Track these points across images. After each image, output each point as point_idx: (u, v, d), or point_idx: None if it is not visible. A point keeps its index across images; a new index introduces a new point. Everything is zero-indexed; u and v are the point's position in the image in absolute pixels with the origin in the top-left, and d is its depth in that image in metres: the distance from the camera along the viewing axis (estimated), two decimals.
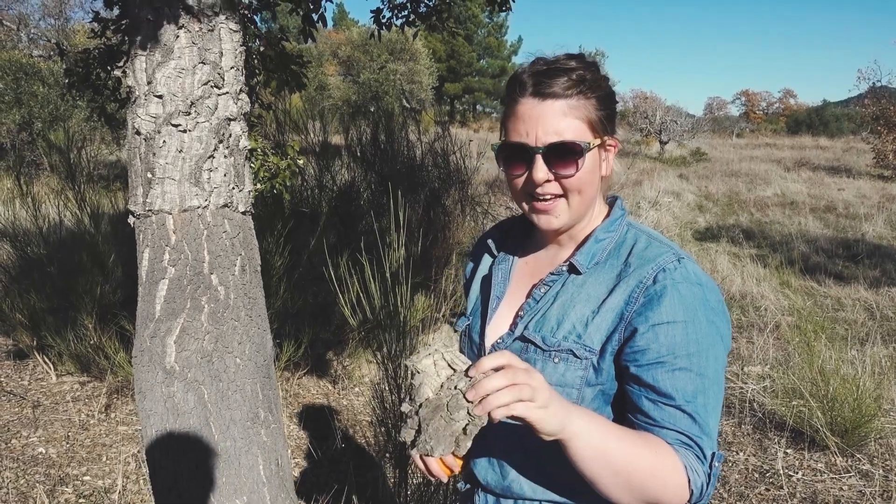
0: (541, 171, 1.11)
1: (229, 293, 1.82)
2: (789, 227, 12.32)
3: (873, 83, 29.30)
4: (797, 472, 3.61)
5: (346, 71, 28.48)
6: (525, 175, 1.14)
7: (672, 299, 1.07)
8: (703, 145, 29.64)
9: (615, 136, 1.21)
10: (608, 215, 1.24)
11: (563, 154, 1.11)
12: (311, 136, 5.45)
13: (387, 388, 2.64)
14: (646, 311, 1.08)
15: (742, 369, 5.10)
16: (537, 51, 1.21)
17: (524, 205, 1.19)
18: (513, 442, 1.19)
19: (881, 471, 3.60)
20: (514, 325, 1.22)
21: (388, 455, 2.65)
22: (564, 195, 1.15)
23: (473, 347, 1.30)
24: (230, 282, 1.83)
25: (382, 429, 2.65)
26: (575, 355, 1.13)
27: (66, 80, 3.06)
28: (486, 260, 1.38)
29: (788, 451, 3.84)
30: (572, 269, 1.19)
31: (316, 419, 3.98)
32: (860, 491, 3.40)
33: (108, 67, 2.94)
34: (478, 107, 47.69)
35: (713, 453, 1.06)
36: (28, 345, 4.55)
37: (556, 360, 1.14)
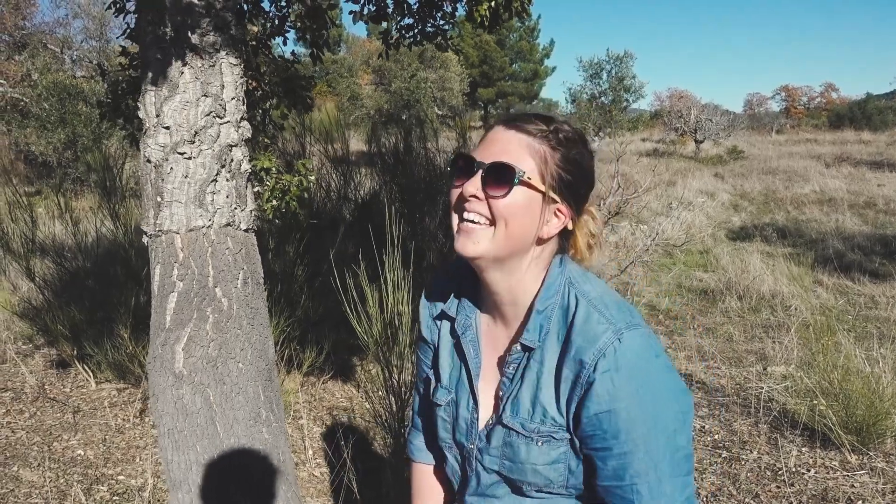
0: (473, 185, 1.11)
1: (232, 304, 2.00)
2: (826, 224, 12.15)
3: None
4: (810, 470, 3.65)
5: (379, 80, 28.86)
6: (461, 189, 1.14)
7: (612, 389, 1.08)
8: (741, 143, 29.22)
9: (580, 214, 1.20)
10: (544, 281, 1.20)
11: (499, 176, 1.10)
12: (332, 147, 5.64)
13: (393, 402, 2.77)
14: (587, 402, 1.10)
15: (765, 369, 5.12)
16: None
17: (454, 222, 1.17)
18: None
19: None
20: (497, 405, 1.23)
21: (389, 456, 2.80)
22: (493, 223, 1.12)
23: (461, 421, 1.28)
24: (233, 294, 2.01)
25: (382, 433, 2.81)
26: (554, 437, 1.15)
27: (98, 111, 3.30)
28: (446, 322, 1.34)
29: (804, 449, 3.87)
30: (525, 349, 1.18)
31: (338, 422, 4.15)
32: (871, 488, 3.43)
33: (136, 97, 3.15)
34: (511, 111, 47.76)
35: None
36: (70, 354, 4.83)
37: (540, 443, 1.16)
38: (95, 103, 13.95)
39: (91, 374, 4.68)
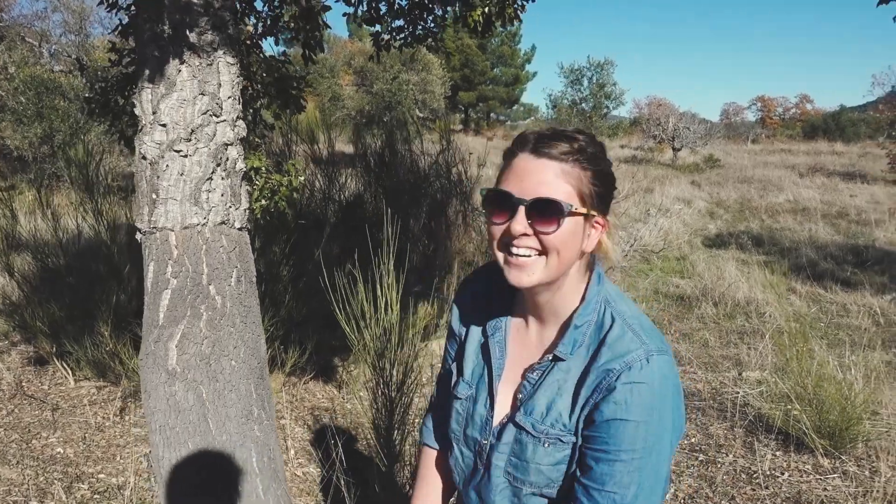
0: (520, 223, 1.13)
1: (226, 302, 2.01)
2: (800, 233, 12.37)
3: (893, 87, 29.26)
4: (784, 474, 3.73)
5: (361, 81, 28.81)
6: (505, 225, 1.15)
7: (630, 400, 1.12)
8: (718, 151, 29.60)
9: (607, 217, 1.22)
10: (584, 297, 1.25)
11: (545, 211, 1.12)
12: (319, 147, 5.65)
13: (379, 393, 2.80)
14: (603, 406, 1.14)
15: (740, 375, 5.21)
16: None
17: (500, 255, 1.20)
18: None
19: (867, 472, 3.70)
20: (514, 405, 1.28)
21: (382, 456, 2.82)
22: (543, 253, 1.16)
23: (476, 417, 1.33)
24: (227, 292, 2.02)
25: (374, 432, 2.83)
26: (561, 440, 1.20)
27: (86, 107, 3.28)
28: (478, 323, 1.39)
29: (777, 453, 3.95)
30: (556, 359, 1.22)
31: (320, 422, 4.15)
32: (843, 491, 3.51)
33: (126, 94, 3.15)
34: (492, 115, 47.92)
35: None
36: (48, 351, 4.77)
37: (546, 444, 1.21)
38: (74, 98, 13.83)
39: (70, 372, 4.64)
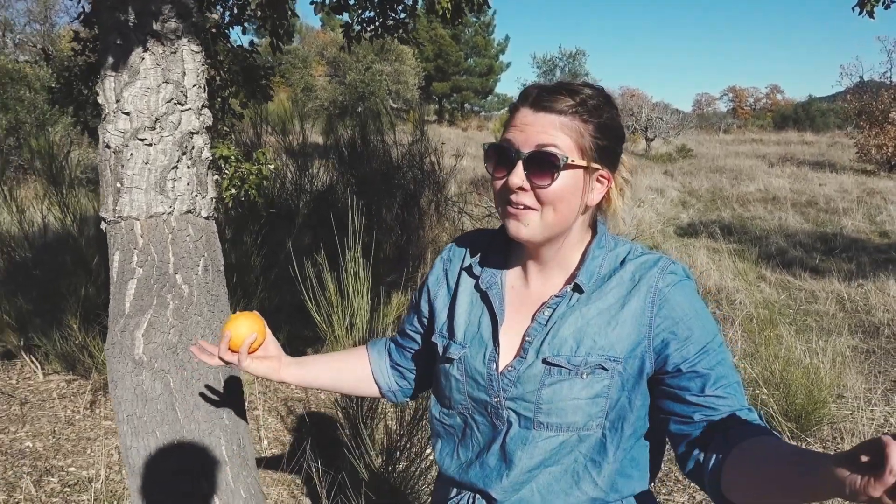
0: (517, 176, 1.12)
1: (193, 291, 2.00)
2: (770, 222, 12.55)
3: (860, 77, 29.74)
4: None
5: (333, 72, 28.61)
6: (504, 179, 1.15)
7: (685, 295, 1.17)
8: (690, 142, 29.92)
9: (615, 171, 1.22)
10: (595, 232, 1.27)
11: (541, 164, 1.12)
12: (292, 138, 5.62)
13: None
14: (671, 314, 1.15)
15: None
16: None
17: (500, 209, 1.20)
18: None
19: (832, 453, 3.79)
20: (521, 350, 1.22)
21: (352, 445, 2.83)
22: (540, 206, 1.15)
23: (477, 376, 1.26)
24: (193, 281, 2.01)
25: (347, 422, 2.84)
26: (603, 367, 1.16)
27: (49, 97, 3.23)
28: (468, 280, 1.34)
29: None
30: (576, 289, 1.20)
31: (294, 413, 4.15)
32: None
33: (89, 83, 3.10)
34: (466, 105, 47.90)
35: None
36: (16, 345, 4.70)
37: (585, 375, 1.16)
38: (40, 88, 13.56)
39: (38, 366, 4.58)
